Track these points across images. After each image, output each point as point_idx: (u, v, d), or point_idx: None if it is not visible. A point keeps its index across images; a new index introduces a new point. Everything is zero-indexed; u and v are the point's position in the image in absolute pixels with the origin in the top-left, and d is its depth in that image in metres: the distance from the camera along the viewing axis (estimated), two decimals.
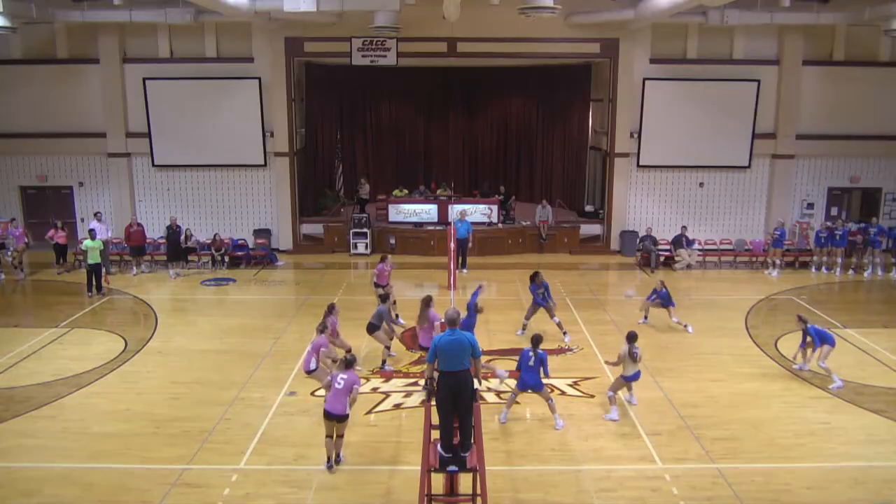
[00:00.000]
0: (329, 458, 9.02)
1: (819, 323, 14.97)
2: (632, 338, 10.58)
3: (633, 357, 10.46)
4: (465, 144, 25.63)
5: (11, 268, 18.79)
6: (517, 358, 12.68)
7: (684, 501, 8.43)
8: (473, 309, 12.24)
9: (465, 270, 19.05)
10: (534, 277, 13.87)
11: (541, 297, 13.79)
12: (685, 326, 14.48)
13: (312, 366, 10.33)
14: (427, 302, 12.00)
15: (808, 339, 12.10)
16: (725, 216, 21.79)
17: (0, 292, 17.60)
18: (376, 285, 14.86)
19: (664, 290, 14.69)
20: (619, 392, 10.90)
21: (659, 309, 14.90)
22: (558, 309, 14.29)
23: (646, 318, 15.01)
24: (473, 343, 7.63)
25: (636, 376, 10.69)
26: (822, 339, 11.97)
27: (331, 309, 11.93)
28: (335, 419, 8.85)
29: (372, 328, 12.41)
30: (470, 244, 19.34)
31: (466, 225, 19.19)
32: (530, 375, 10.16)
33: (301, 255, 21.12)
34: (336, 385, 8.89)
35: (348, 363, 9.12)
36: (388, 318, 12.61)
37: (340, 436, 9.07)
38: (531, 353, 10.18)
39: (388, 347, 12.61)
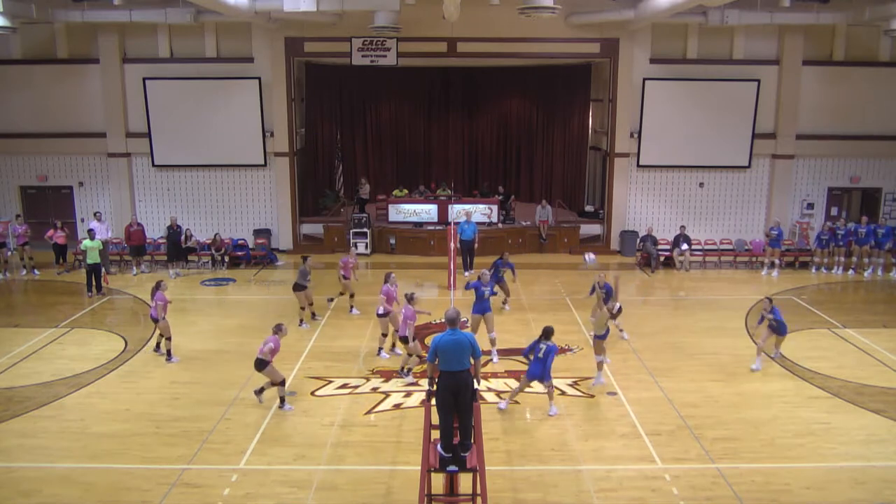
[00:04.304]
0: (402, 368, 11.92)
1: (819, 323, 15.08)
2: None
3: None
4: (464, 144, 25.66)
5: (21, 267, 18.91)
6: (521, 358, 12.76)
7: (684, 501, 8.43)
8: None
9: (471, 272, 18.89)
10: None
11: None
12: (621, 331, 13.89)
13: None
14: (385, 278, 13.10)
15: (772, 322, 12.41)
16: (725, 216, 21.79)
17: (0, 292, 17.61)
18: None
19: (607, 283, 13.90)
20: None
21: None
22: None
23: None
24: (473, 343, 7.63)
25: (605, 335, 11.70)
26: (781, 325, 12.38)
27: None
28: (400, 339, 12.01)
29: (298, 287, 14.63)
30: (477, 244, 19.15)
31: (473, 226, 18.95)
32: (537, 365, 10.45)
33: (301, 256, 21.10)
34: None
35: (409, 299, 11.88)
36: (305, 278, 14.60)
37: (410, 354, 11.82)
38: (541, 345, 10.45)
39: (303, 308, 14.78)
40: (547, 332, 10.53)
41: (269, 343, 10.56)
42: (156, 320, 12.65)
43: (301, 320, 14.77)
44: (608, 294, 13.80)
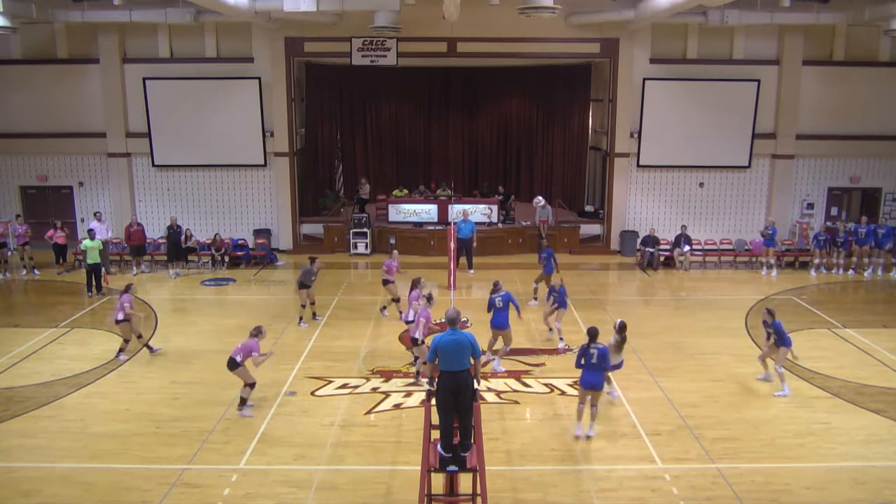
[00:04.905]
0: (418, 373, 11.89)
1: (819, 323, 15.08)
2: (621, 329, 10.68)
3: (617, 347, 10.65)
4: (464, 144, 25.67)
5: (21, 267, 18.93)
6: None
7: (684, 501, 8.43)
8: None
9: (472, 271, 18.98)
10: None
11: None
12: (560, 338, 13.38)
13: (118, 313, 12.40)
14: (414, 283, 13.00)
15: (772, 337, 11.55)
16: (725, 216, 21.78)
17: (0, 292, 17.61)
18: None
19: (563, 287, 13.52)
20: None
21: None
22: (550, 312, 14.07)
23: (550, 329, 13.75)
24: (473, 343, 7.63)
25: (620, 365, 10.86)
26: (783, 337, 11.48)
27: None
28: (411, 340, 11.60)
29: (301, 286, 14.65)
30: (475, 244, 19.18)
31: (470, 225, 19.03)
32: (594, 374, 9.69)
33: (301, 256, 21.03)
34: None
35: (428, 299, 11.74)
36: (309, 278, 14.62)
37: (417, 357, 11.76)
38: (591, 350, 9.71)
39: (303, 306, 14.79)
40: (593, 334, 9.79)
41: (252, 350, 10.36)
42: (118, 321, 12.61)
43: (300, 318, 14.78)
44: (560, 297, 13.36)
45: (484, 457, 7.64)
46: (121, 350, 12.86)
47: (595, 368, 9.67)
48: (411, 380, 11.86)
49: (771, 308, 11.92)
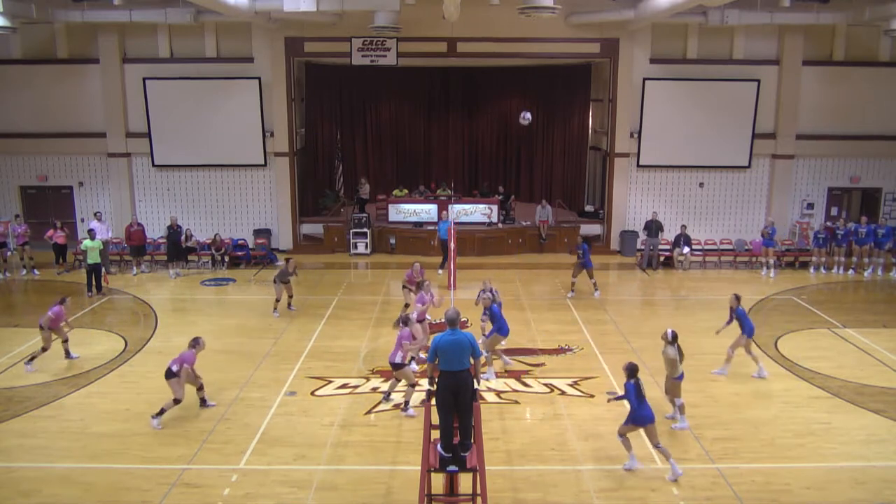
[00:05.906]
0: (387, 392, 11.13)
1: (819, 323, 15.07)
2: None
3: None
4: (464, 144, 25.66)
5: (21, 267, 18.94)
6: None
7: (684, 501, 8.43)
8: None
9: (440, 271, 18.57)
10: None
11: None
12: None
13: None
14: (419, 285, 13.46)
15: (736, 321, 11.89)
16: (725, 216, 21.78)
17: (0, 292, 17.61)
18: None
19: (492, 287, 13.07)
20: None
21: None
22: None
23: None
24: (473, 343, 7.63)
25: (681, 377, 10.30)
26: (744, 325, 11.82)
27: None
28: (391, 366, 10.75)
29: (277, 281, 15.21)
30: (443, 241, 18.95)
31: (446, 224, 18.90)
32: (648, 408, 8.99)
33: (301, 255, 21.07)
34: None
35: (404, 321, 10.95)
36: (284, 276, 15.24)
37: (398, 380, 10.90)
38: (641, 383, 9.06)
39: (277, 300, 15.26)
40: (633, 369, 9.09)
41: (184, 360, 10.26)
42: (41, 327, 12.25)
43: (274, 308, 15.21)
44: (492, 296, 12.86)
45: (484, 457, 7.63)
46: (32, 357, 12.27)
47: (644, 399, 8.99)
48: (412, 413, 11.29)
49: (739, 294, 12.17)
